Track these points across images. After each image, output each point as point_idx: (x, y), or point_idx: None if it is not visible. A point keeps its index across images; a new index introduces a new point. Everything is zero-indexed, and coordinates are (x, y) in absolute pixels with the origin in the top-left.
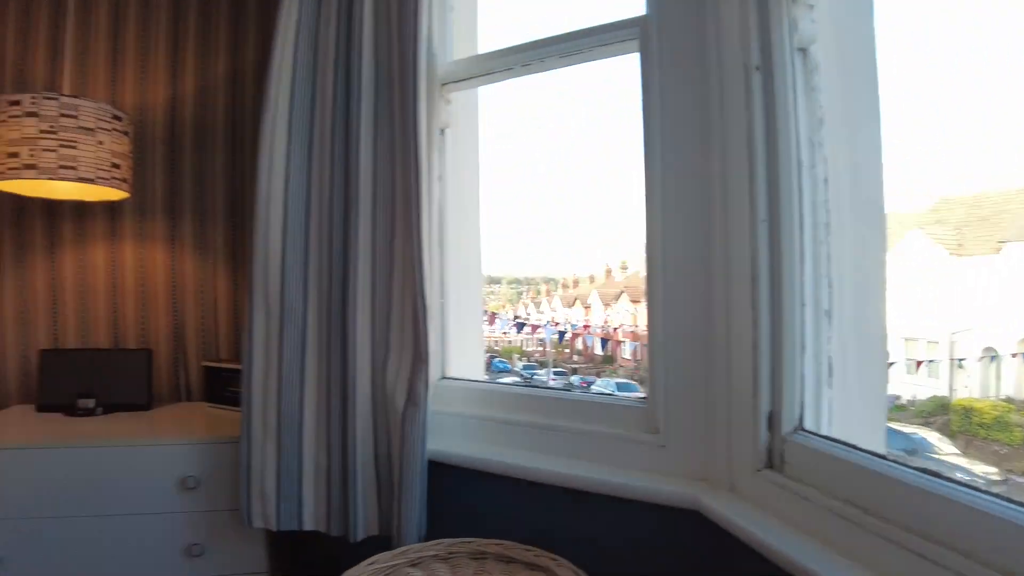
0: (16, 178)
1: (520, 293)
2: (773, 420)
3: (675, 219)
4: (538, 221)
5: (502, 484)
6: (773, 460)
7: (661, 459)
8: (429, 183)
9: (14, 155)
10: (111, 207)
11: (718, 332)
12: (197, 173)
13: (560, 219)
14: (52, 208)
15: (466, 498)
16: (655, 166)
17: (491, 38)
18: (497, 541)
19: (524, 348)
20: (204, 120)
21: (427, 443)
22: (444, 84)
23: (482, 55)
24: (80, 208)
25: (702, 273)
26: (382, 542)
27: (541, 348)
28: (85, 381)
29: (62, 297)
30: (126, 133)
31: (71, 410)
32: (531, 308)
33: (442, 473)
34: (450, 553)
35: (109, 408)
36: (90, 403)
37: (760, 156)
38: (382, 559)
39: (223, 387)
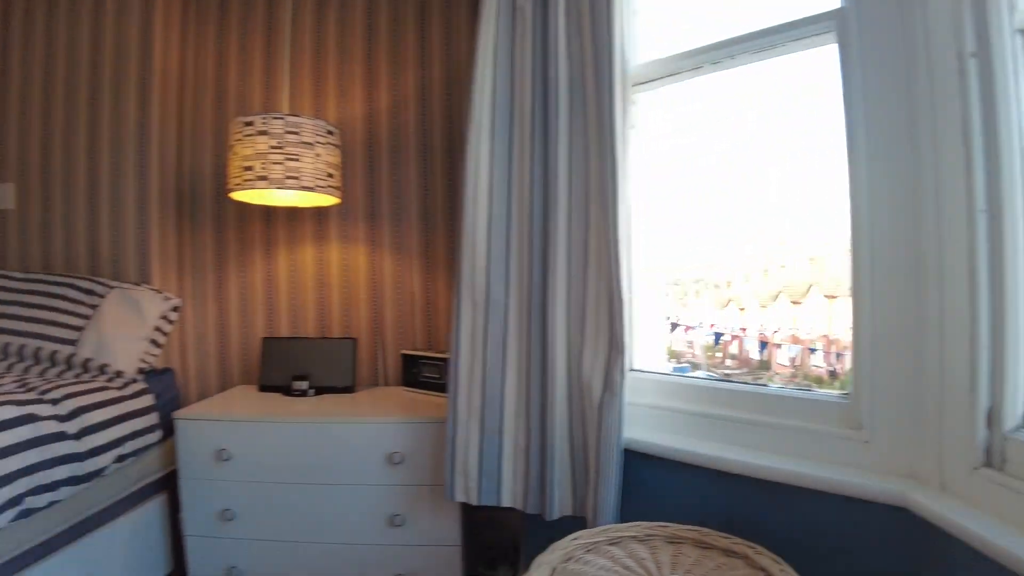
0: (250, 188)
1: (686, 292)
2: (992, 416)
3: (882, 213)
4: (696, 219)
5: (693, 473)
6: (992, 458)
7: (864, 455)
8: (623, 181)
9: (248, 168)
10: (318, 212)
11: (930, 327)
12: (393, 180)
13: (718, 217)
14: (269, 214)
15: (656, 485)
16: (859, 160)
17: (673, 38)
18: (692, 527)
19: (672, 348)
20: (397, 131)
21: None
22: (633, 86)
23: (673, 56)
24: (292, 214)
25: (912, 267)
26: (564, 524)
27: (690, 349)
28: (299, 365)
29: (276, 292)
30: (337, 146)
31: (287, 391)
32: (683, 307)
33: (633, 460)
34: (647, 535)
35: (319, 390)
36: (303, 385)
37: (978, 145)
38: (584, 535)
39: (419, 373)
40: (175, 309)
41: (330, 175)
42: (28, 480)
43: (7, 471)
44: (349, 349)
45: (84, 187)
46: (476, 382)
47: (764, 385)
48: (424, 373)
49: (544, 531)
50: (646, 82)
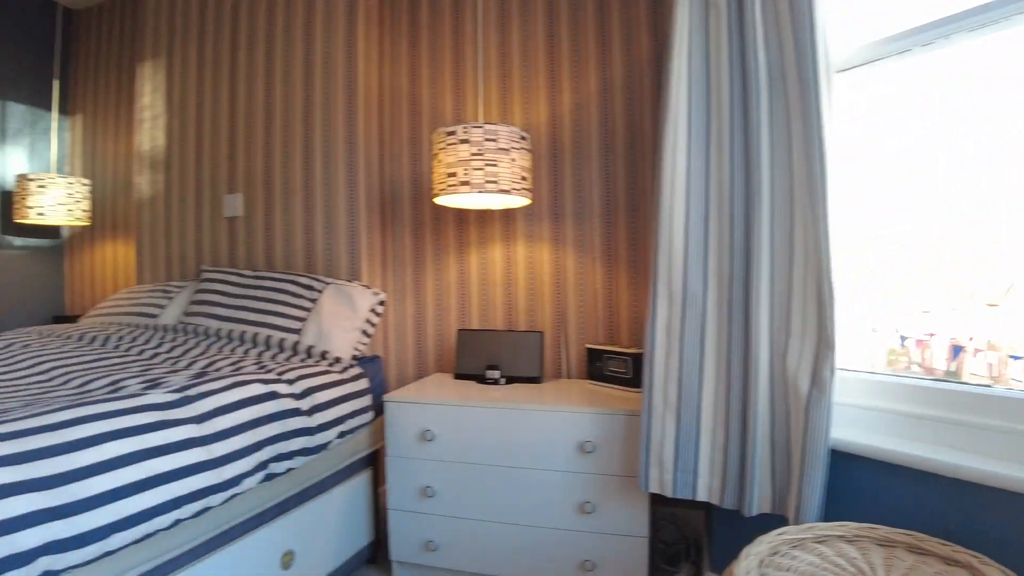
0: (453, 192)
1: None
2: None
3: None
4: (889, 212)
5: (907, 476)
6: None
7: None
8: (831, 171)
9: (452, 174)
10: (506, 214)
11: None
12: (576, 180)
13: (913, 211)
14: (461, 217)
15: (862, 487)
16: None
17: (873, 20)
18: (905, 531)
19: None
20: (580, 133)
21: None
22: (836, 72)
23: (880, 40)
24: (482, 216)
25: None
26: (752, 525)
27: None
28: (491, 355)
29: (468, 288)
30: (529, 151)
31: (480, 379)
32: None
33: (838, 460)
34: (856, 536)
35: (509, 379)
36: (495, 374)
37: None
38: (790, 531)
39: (604, 367)
40: (381, 303)
41: (523, 178)
42: (272, 448)
43: (259, 439)
44: (537, 341)
45: (301, 195)
46: (672, 376)
47: (988, 386)
48: (610, 367)
49: (733, 531)
50: (848, 68)
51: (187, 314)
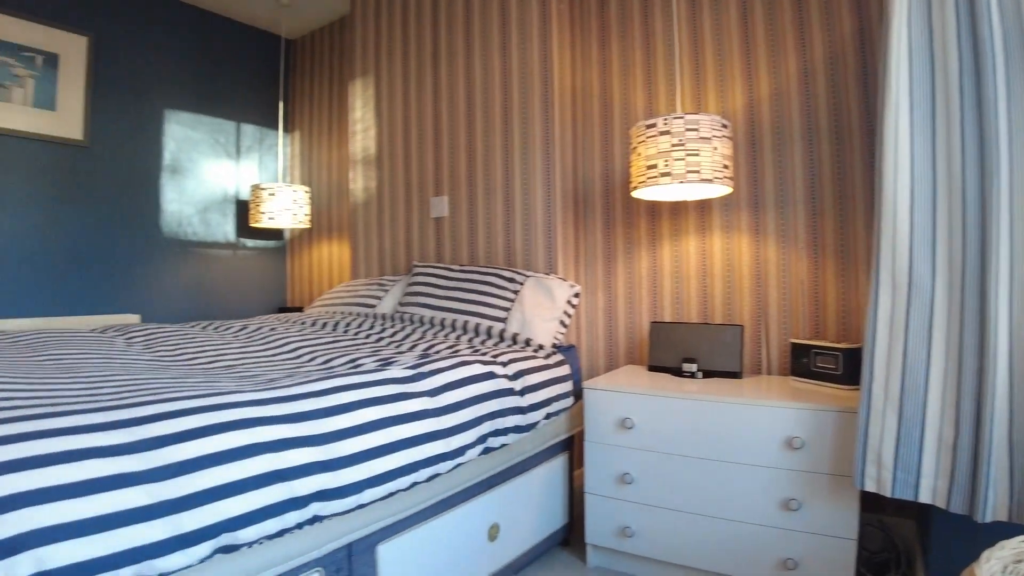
0: (654, 184)
1: None
2: None
3: None
4: None
5: None
6: None
7: None
8: None
9: (652, 166)
10: (700, 205)
11: None
12: (776, 167)
13: None
14: (654, 210)
15: None
16: None
17: None
18: None
19: None
20: (779, 118)
21: None
22: None
23: None
24: (676, 208)
25: None
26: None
27: None
28: (686, 349)
29: (660, 281)
30: (730, 138)
31: (675, 371)
32: None
33: None
34: None
35: (706, 374)
36: (692, 367)
37: None
38: None
39: (810, 363)
40: (576, 295)
41: (725, 166)
42: (490, 423)
43: (480, 414)
44: (737, 335)
45: (501, 195)
46: (895, 370)
47: None
48: (817, 363)
49: (955, 543)
50: None
51: (402, 304)
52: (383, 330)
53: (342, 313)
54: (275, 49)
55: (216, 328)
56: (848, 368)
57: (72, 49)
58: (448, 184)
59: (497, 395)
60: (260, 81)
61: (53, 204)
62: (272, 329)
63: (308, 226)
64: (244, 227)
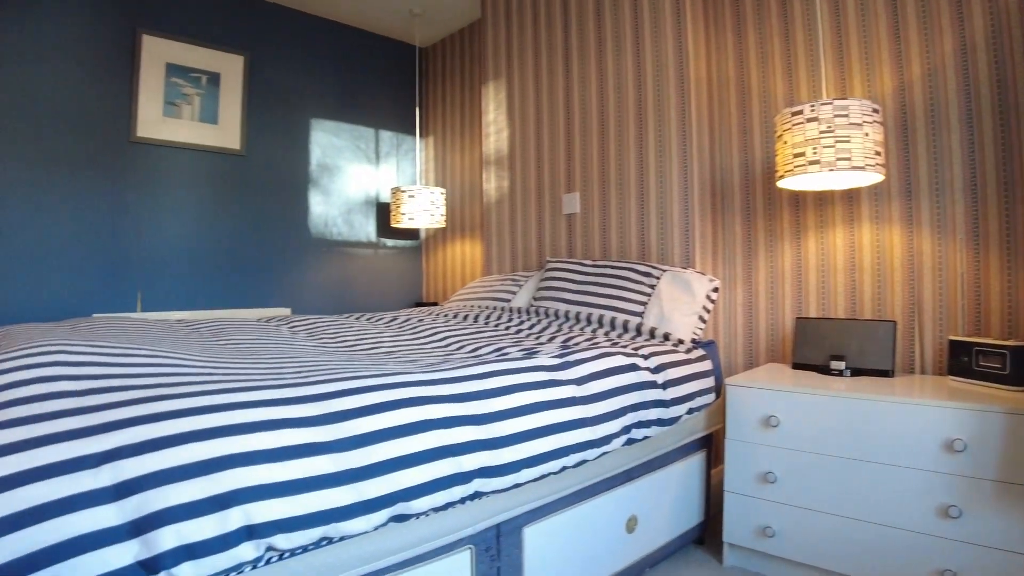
0: (801, 173)
1: None
2: None
3: None
4: None
5: None
6: None
7: None
8: None
9: (799, 155)
10: (848, 195)
11: None
12: (931, 154)
13: None
14: (797, 201)
15: None
16: None
17: None
18: None
19: None
20: (934, 100)
21: None
22: None
23: None
24: (821, 199)
25: None
26: None
27: None
28: (833, 346)
29: (805, 275)
30: (882, 123)
31: (821, 370)
32: None
33: None
34: None
35: (855, 372)
36: (840, 365)
37: None
38: None
39: (971, 361)
40: (715, 289)
41: (877, 152)
42: (634, 415)
43: (623, 405)
44: (888, 332)
45: (635, 190)
46: None
47: None
48: (980, 362)
49: None
50: None
51: (536, 298)
52: (521, 323)
53: (479, 307)
54: (409, 58)
55: (368, 319)
56: (1017, 367)
57: (231, 68)
58: (580, 181)
59: (640, 387)
60: (396, 89)
61: (216, 208)
62: (420, 320)
63: (443, 225)
64: (384, 227)
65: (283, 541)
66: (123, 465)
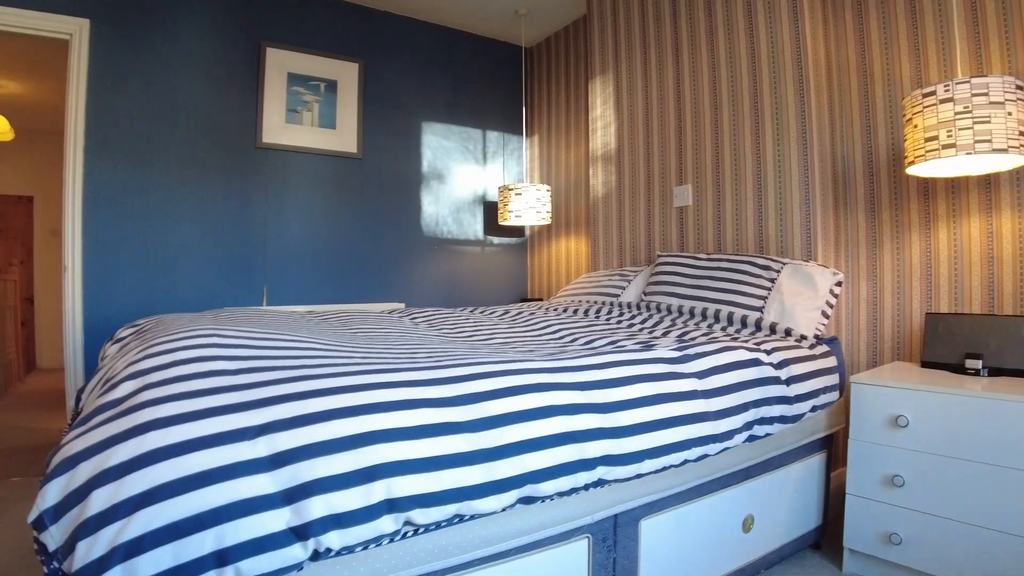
0: (934, 158)
1: None
2: None
3: None
4: None
5: None
6: None
7: None
8: None
9: (932, 138)
10: (985, 181)
11: None
12: None
13: None
14: (926, 188)
15: None
16: None
17: None
18: None
19: None
20: None
21: None
22: None
23: None
24: (953, 187)
25: None
26: None
27: None
28: (969, 343)
29: (936, 268)
30: None
31: (954, 368)
32: None
33: None
34: None
35: (993, 371)
36: (977, 364)
37: None
38: None
39: None
40: (839, 283)
41: (1021, 133)
42: (756, 411)
43: (745, 400)
44: None
45: (751, 181)
46: None
47: None
48: None
49: None
50: None
51: (647, 293)
52: (633, 317)
53: (588, 301)
54: (514, 58)
55: (481, 312)
56: None
57: (347, 75)
58: (692, 173)
59: (762, 383)
60: (502, 90)
61: (334, 209)
62: (531, 314)
63: (549, 222)
64: (491, 225)
65: (420, 516)
66: (277, 438)
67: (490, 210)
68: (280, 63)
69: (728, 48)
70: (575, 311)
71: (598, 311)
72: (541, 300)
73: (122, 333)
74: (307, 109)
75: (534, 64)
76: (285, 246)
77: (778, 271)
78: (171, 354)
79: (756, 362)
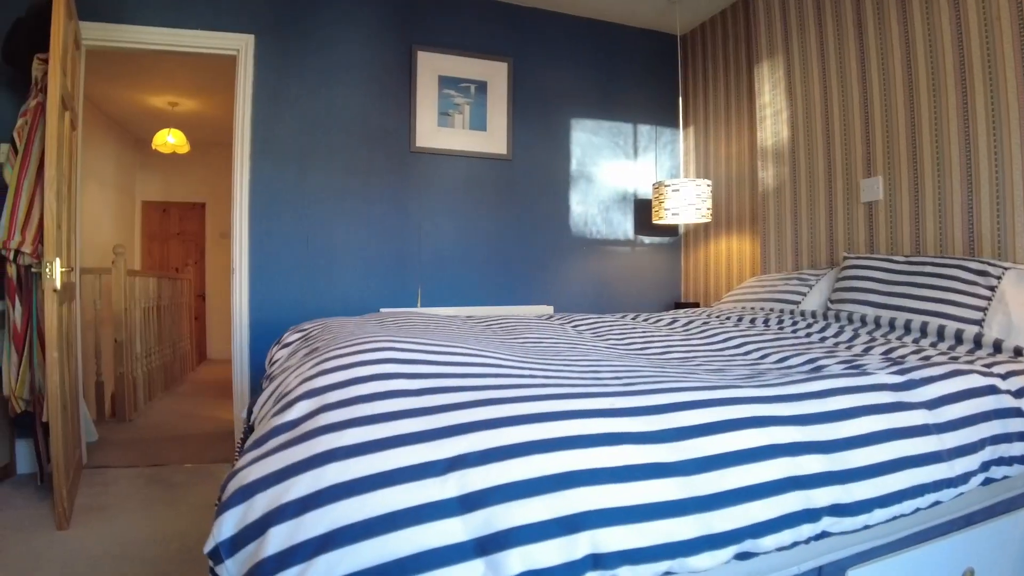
0: None
1: None
2: None
3: None
4: None
5: None
6: None
7: None
8: None
9: None
10: None
11: None
12: None
13: None
14: None
15: None
16: None
17: None
18: None
19: None
20: None
21: None
22: None
23: None
24: None
25: None
26: None
27: None
28: None
29: None
30: None
31: None
32: None
33: None
34: None
35: None
36: None
37: None
38: None
39: None
40: None
41: None
42: (993, 449)
43: (981, 436)
44: None
45: (958, 169)
46: None
47: None
48: None
49: None
50: None
51: (833, 301)
52: (823, 329)
53: (762, 309)
54: (667, 47)
55: (644, 319)
56: None
57: (496, 75)
58: (882, 163)
59: (1001, 414)
60: (653, 81)
61: (485, 211)
62: (704, 324)
63: (709, 220)
64: (641, 224)
65: (628, 574)
66: (469, 475)
67: (641, 208)
68: (431, 66)
69: (925, 18)
70: (752, 320)
71: (779, 322)
72: (697, 305)
73: (289, 337)
74: (458, 112)
75: (688, 52)
76: (438, 248)
77: (998, 277)
78: (347, 371)
79: (992, 389)
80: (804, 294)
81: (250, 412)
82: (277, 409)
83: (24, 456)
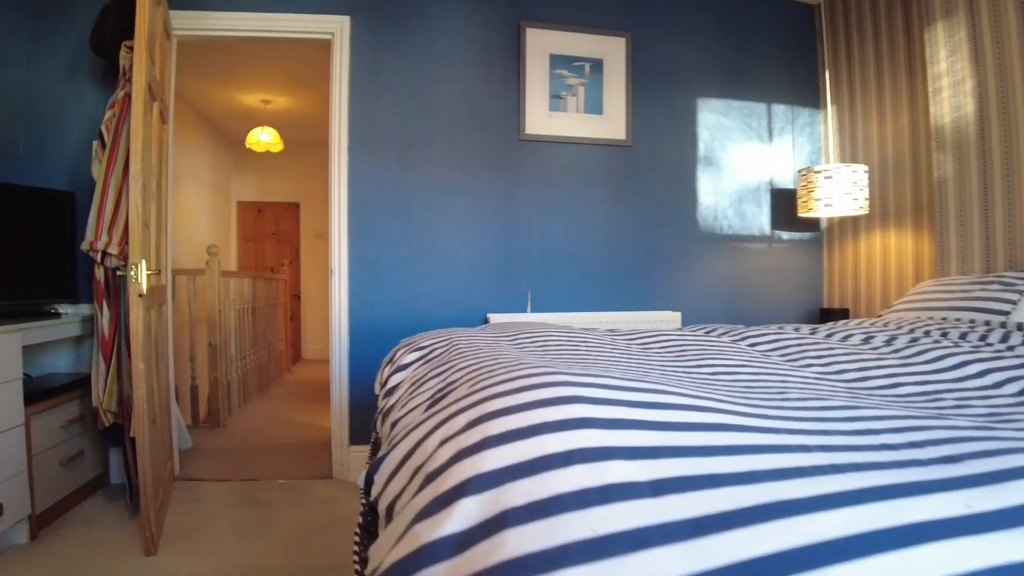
0: None
1: None
2: None
3: None
4: None
5: None
6: None
7: None
8: None
9: None
10: None
11: None
12: None
13: None
14: None
15: None
16: None
17: None
18: None
19: None
20: None
21: None
22: None
23: None
24: None
25: None
26: None
27: None
28: None
29: None
30: None
31: None
32: None
33: None
34: None
35: None
36: None
37: None
38: None
39: None
40: None
41: None
42: None
43: None
44: None
45: None
46: None
47: None
48: None
49: None
50: None
51: None
52: None
53: (957, 321)
54: (804, 16)
55: (827, 334)
56: None
57: (613, 51)
58: None
59: None
60: (789, 55)
61: (601, 204)
62: (912, 340)
63: (866, 211)
64: (779, 217)
65: None
66: None
67: (778, 199)
68: (541, 44)
69: None
70: (962, 335)
71: (1004, 338)
72: (847, 313)
73: (404, 357)
74: (571, 94)
75: (829, 21)
76: (549, 247)
77: None
78: (528, 440)
79: None
80: (1014, 302)
81: (369, 478)
82: (426, 505)
83: (117, 465)
